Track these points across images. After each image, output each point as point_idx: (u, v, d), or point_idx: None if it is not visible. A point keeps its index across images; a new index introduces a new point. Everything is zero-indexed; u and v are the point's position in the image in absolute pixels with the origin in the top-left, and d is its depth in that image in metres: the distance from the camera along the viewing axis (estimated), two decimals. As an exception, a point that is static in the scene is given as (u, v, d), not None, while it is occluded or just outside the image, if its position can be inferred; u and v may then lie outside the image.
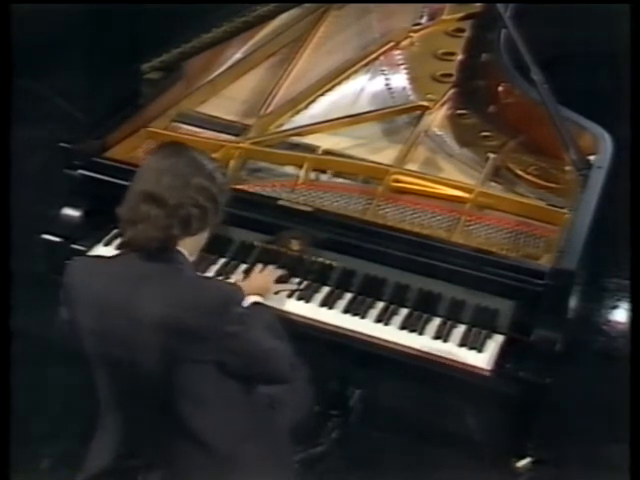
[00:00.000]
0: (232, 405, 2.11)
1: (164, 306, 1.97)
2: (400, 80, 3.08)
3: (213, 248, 2.42)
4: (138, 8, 4.54)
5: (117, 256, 2.11)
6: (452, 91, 3.05)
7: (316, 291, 2.55)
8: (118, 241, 2.68)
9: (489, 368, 2.35)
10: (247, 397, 2.16)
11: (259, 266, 2.58)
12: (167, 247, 2.02)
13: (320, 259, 2.55)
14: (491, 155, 2.79)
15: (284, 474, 2.29)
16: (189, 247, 2.07)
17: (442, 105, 2.99)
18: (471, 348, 2.39)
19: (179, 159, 2.05)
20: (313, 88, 3.03)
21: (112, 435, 2.13)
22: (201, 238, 2.11)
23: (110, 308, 2.00)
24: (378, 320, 2.47)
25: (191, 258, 2.10)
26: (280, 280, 2.54)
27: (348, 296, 2.53)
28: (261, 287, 2.46)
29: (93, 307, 2.03)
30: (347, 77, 3.07)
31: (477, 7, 3.32)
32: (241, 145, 2.83)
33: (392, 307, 2.50)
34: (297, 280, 2.56)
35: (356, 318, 2.48)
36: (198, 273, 2.30)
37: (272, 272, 2.55)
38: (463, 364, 2.37)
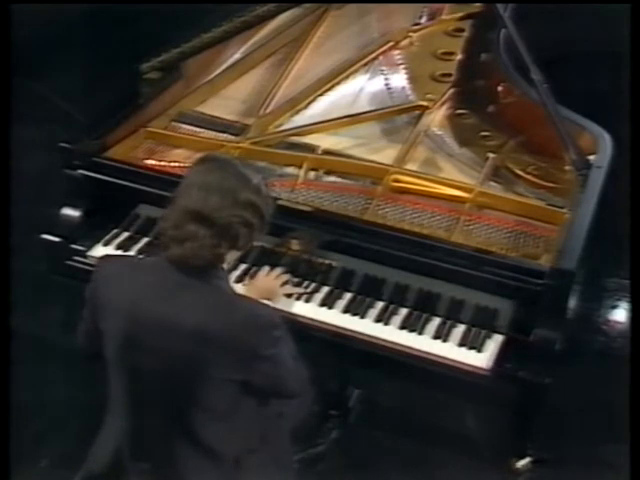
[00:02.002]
0: (245, 417, 2.11)
1: (201, 320, 1.95)
2: (399, 80, 3.08)
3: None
4: (138, 8, 4.54)
5: (152, 260, 2.06)
6: (451, 91, 3.05)
7: (316, 291, 2.54)
8: (118, 241, 2.69)
9: (489, 368, 2.35)
10: (258, 412, 2.15)
11: (265, 268, 2.57)
12: (214, 264, 2.01)
13: (320, 259, 2.55)
14: (491, 155, 2.79)
15: (285, 475, 2.29)
16: (228, 258, 2.06)
17: (441, 105, 2.99)
18: (471, 348, 2.39)
19: (225, 174, 2.00)
20: (312, 88, 3.04)
21: (119, 437, 2.11)
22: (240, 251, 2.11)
23: (141, 314, 1.98)
24: (378, 320, 2.47)
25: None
26: (286, 283, 2.54)
27: (348, 296, 2.53)
28: (268, 290, 2.45)
29: (123, 310, 2.00)
30: (346, 77, 3.08)
31: (477, 7, 3.33)
32: (241, 145, 2.83)
33: (392, 307, 2.50)
34: (305, 283, 2.56)
35: (356, 318, 2.48)
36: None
37: (279, 275, 2.53)
38: (463, 364, 2.36)
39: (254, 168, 2.16)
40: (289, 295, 2.51)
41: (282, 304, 2.47)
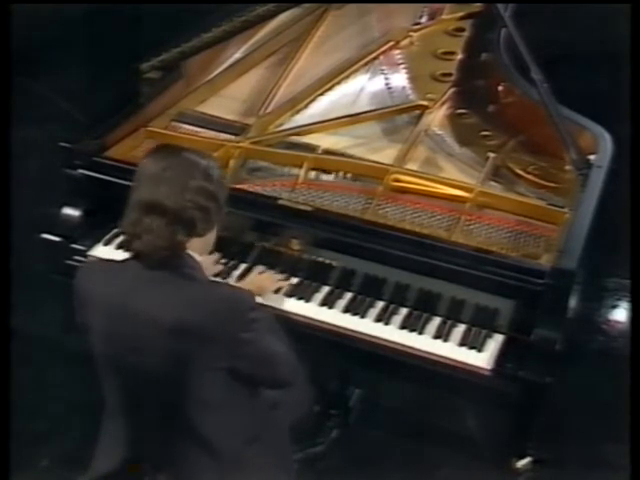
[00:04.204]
0: (238, 409, 2.11)
1: (177, 312, 1.96)
2: (400, 79, 3.08)
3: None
4: (138, 8, 4.54)
5: (127, 260, 2.07)
6: (452, 90, 3.04)
7: (316, 290, 2.54)
8: (118, 240, 2.69)
9: (489, 368, 2.35)
10: (252, 400, 2.16)
11: (259, 268, 2.58)
12: (176, 253, 2.01)
13: (320, 258, 2.55)
14: (491, 154, 2.79)
15: (285, 474, 2.29)
16: (198, 248, 2.06)
17: (442, 104, 2.99)
18: (471, 348, 2.39)
19: (172, 162, 2.01)
20: (313, 87, 3.03)
21: (119, 438, 2.12)
22: (209, 238, 2.10)
23: (122, 313, 1.99)
24: (378, 319, 2.47)
25: (200, 258, 2.09)
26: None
27: (348, 295, 2.53)
28: (259, 287, 2.46)
29: (104, 312, 2.02)
30: (347, 77, 3.07)
31: (477, 7, 3.32)
32: (241, 145, 2.83)
33: (392, 307, 2.50)
34: (296, 280, 2.56)
35: (356, 317, 2.48)
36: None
37: (272, 274, 2.56)
38: (463, 364, 2.36)
39: (202, 154, 2.12)
40: (284, 292, 2.52)
41: (279, 302, 2.47)
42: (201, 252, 2.09)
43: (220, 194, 2.06)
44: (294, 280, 2.57)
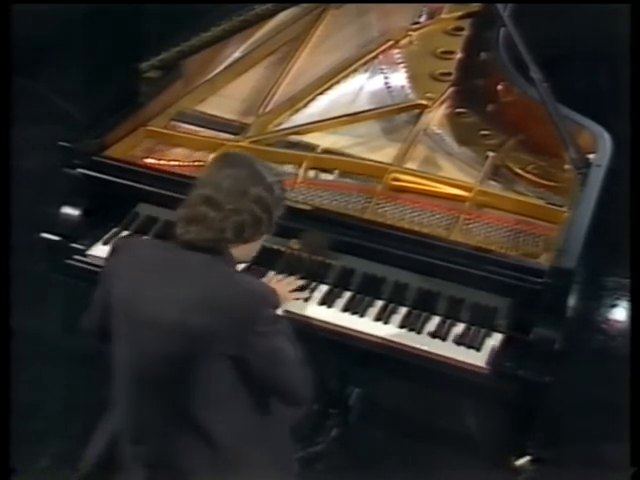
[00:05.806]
0: (243, 406, 2.12)
1: (197, 295, 2.00)
2: (399, 79, 3.08)
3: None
4: (138, 8, 4.54)
5: (164, 242, 2.15)
6: (451, 90, 3.04)
7: (315, 290, 2.55)
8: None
9: (488, 367, 2.35)
10: (258, 399, 2.16)
11: (277, 276, 2.59)
12: (218, 249, 2.06)
13: (319, 257, 2.55)
14: (490, 154, 2.79)
15: (285, 473, 2.29)
16: (240, 253, 2.12)
17: (441, 104, 2.99)
18: (470, 347, 2.39)
19: (242, 168, 2.10)
20: (312, 87, 3.04)
21: (117, 423, 2.13)
22: (252, 247, 2.15)
23: (144, 291, 2.04)
24: (377, 319, 2.47)
25: (240, 266, 2.13)
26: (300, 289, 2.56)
27: (347, 294, 2.53)
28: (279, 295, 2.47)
29: (129, 287, 2.06)
30: (346, 76, 3.08)
31: (476, 6, 3.32)
32: (240, 144, 2.83)
33: (391, 306, 2.50)
34: (304, 282, 2.56)
35: (355, 317, 2.48)
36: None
37: (292, 283, 2.57)
38: (462, 363, 2.36)
39: (273, 169, 2.21)
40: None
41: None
42: (241, 258, 2.15)
43: (275, 210, 2.12)
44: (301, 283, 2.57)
